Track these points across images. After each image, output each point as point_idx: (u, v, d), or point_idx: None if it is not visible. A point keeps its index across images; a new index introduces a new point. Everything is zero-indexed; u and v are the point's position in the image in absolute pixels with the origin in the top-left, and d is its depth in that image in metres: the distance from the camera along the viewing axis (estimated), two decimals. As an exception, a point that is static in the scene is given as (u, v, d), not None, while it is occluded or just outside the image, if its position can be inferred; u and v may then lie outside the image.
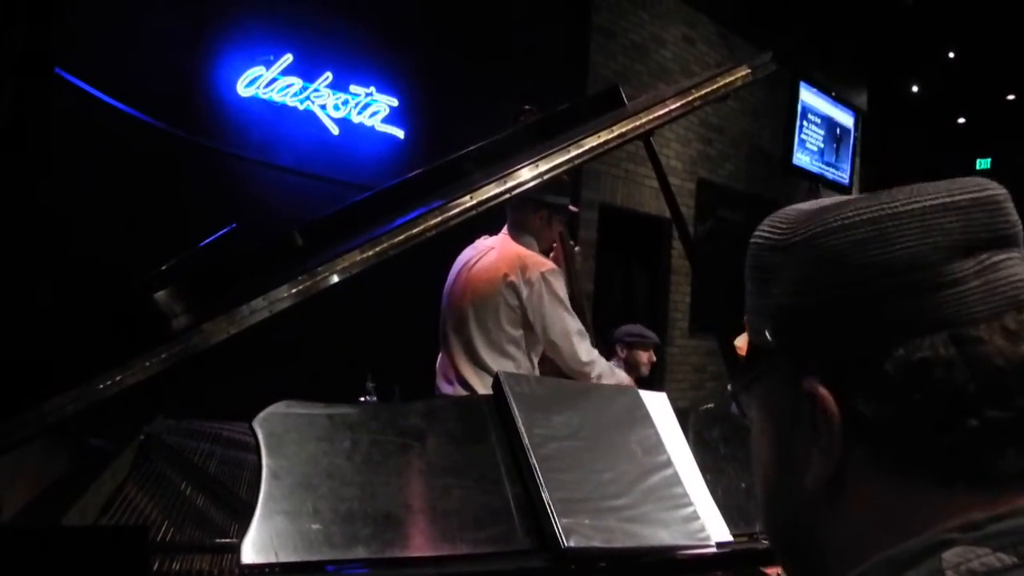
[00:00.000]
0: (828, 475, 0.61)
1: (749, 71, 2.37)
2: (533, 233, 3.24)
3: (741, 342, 3.09)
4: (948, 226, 0.57)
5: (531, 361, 3.13)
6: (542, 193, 3.16)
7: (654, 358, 4.59)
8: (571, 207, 3.41)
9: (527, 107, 3.12)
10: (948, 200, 0.58)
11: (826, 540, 0.62)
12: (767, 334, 0.65)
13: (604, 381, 3.08)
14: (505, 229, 3.28)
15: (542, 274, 3.03)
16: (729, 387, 2.31)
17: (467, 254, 3.28)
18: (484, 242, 3.28)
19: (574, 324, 3.08)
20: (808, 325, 0.61)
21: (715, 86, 2.32)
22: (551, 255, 3.41)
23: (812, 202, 0.65)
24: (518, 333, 3.06)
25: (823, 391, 0.60)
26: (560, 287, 3.07)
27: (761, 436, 0.68)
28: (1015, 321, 0.56)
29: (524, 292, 3.02)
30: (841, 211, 0.60)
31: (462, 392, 3.08)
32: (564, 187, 3.32)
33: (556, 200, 3.25)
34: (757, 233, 0.66)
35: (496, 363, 3.02)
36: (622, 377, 3.25)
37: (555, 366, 3.18)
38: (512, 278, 3.02)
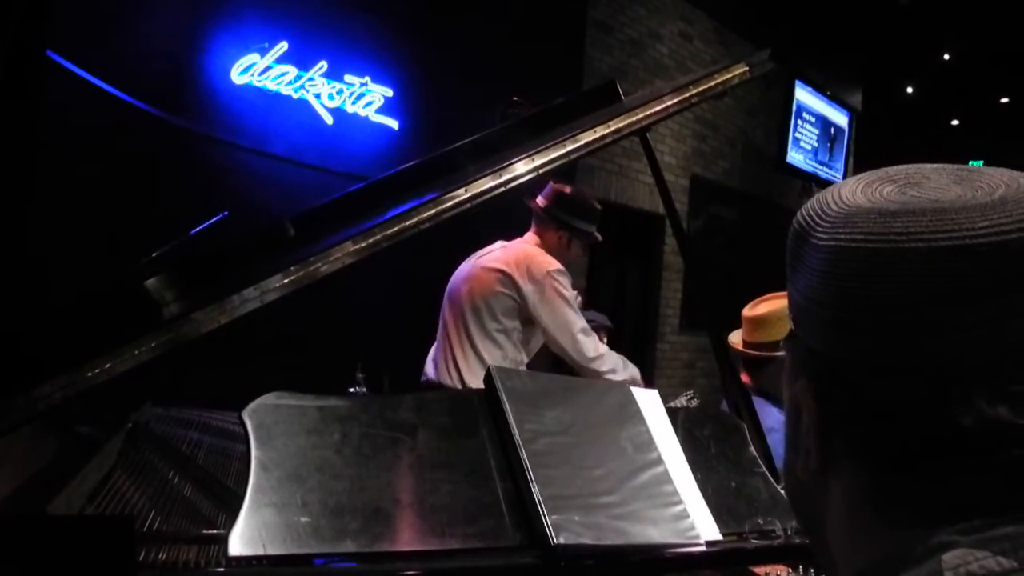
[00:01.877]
0: (813, 470, 0.63)
1: (747, 69, 2.36)
2: (550, 250, 3.24)
3: (736, 338, 3.08)
4: (955, 272, 0.53)
5: (519, 353, 3.14)
6: (570, 215, 3.19)
7: (603, 339, 4.55)
8: (596, 235, 3.39)
9: (516, 98, 3.12)
10: (965, 243, 0.53)
11: (824, 522, 0.64)
12: (791, 321, 0.65)
13: (618, 374, 3.10)
14: (525, 236, 3.31)
15: (548, 272, 3.05)
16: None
17: (479, 251, 3.32)
18: (499, 243, 3.32)
19: (578, 322, 3.10)
20: (811, 330, 0.62)
21: (713, 83, 2.31)
22: None
23: (861, 185, 0.62)
24: (512, 324, 3.09)
25: (809, 398, 0.62)
26: (566, 286, 3.09)
27: (785, 409, 0.69)
28: (1007, 378, 0.53)
29: (528, 289, 3.04)
30: (855, 228, 0.58)
31: (447, 375, 3.11)
32: (593, 215, 3.32)
33: (582, 226, 3.25)
34: (799, 213, 0.64)
35: (485, 348, 3.06)
36: (634, 372, 3.25)
37: (546, 362, 3.20)
38: (514, 273, 3.05)
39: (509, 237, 3.35)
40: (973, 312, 0.53)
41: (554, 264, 3.11)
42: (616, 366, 3.14)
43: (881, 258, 0.55)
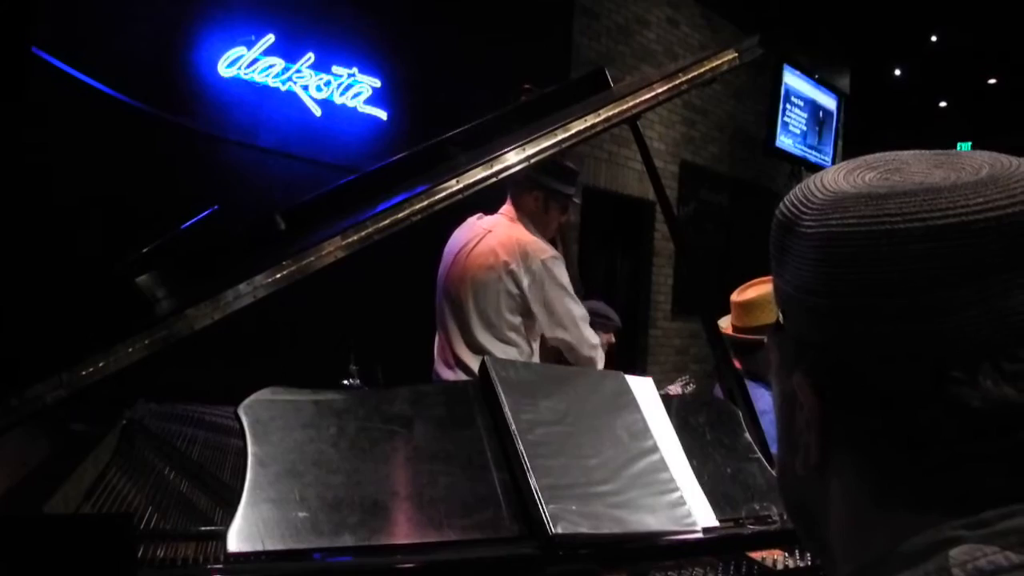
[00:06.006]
0: (813, 466, 0.61)
1: (736, 55, 2.35)
2: (529, 215, 3.17)
3: (725, 323, 3.08)
4: (953, 251, 0.52)
5: (531, 347, 3.11)
6: (540, 174, 3.11)
7: (613, 340, 4.55)
8: (574, 198, 3.32)
9: (527, 86, 3.07)
10: (961, 220, 0.53)
11: (825, 519, 0.63)
12: (779, 314, 0.64)
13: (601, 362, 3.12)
14: (502, 209, 3.23)
15: (543, 262, 3.00)
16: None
17: (463, 235, 3.20)
18: (480, 223, 3.20)
19: (578, 310, 3.07)
20: (804, 322, 0.60)
21: (702, 70, 2.30)
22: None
23: (842, 173, 0.61)
24: (517, 320, 3.04)
25: (807, 391, 0.60)
26: (562, 273, 3.04)
27: (775, 405, 0.67)
28: (1013, 356, 0.52)
29: (526, 281, 2.98)
30: (846, 213, 0.57)
31: (463, 376, 3.05)
32: (567, 175, 3.24)
33: (555, 185, 3.18)
34: (782, 203, 0.63)
35: (497, 349, 2.99)
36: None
37: (553, 353, 3.17)
38: (513, 266, 2.98)
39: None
40: (972, 290, 0.52)
41: (548, 251, 3.06)
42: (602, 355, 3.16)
43: (876, 241, 0.54)
